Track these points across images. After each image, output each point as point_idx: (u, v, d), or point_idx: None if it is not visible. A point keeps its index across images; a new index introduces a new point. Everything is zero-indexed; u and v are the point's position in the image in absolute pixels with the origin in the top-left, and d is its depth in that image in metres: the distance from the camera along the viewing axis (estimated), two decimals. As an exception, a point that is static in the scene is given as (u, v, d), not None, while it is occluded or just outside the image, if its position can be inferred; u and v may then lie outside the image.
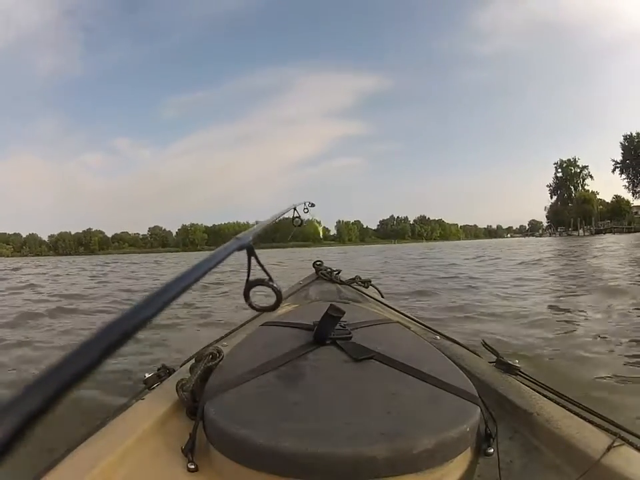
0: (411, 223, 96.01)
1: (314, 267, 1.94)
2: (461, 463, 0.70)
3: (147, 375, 0.94)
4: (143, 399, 0.86)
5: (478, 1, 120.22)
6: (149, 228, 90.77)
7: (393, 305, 1.63)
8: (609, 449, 0.66)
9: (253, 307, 0.46)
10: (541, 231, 79.36)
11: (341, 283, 1.78)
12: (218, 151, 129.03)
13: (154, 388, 0.91)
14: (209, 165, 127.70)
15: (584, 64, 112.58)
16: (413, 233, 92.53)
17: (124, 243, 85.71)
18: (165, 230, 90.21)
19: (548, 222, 76.18)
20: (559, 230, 68.34)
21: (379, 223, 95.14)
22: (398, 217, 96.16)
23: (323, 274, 1.86)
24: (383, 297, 1.87)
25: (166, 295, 0.27)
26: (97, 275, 11.73)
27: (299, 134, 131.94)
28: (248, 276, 0.44)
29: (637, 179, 58.89)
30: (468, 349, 1.12)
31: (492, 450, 0.74)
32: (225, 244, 0.42)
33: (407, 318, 1.44)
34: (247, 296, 0.44)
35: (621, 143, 59.44)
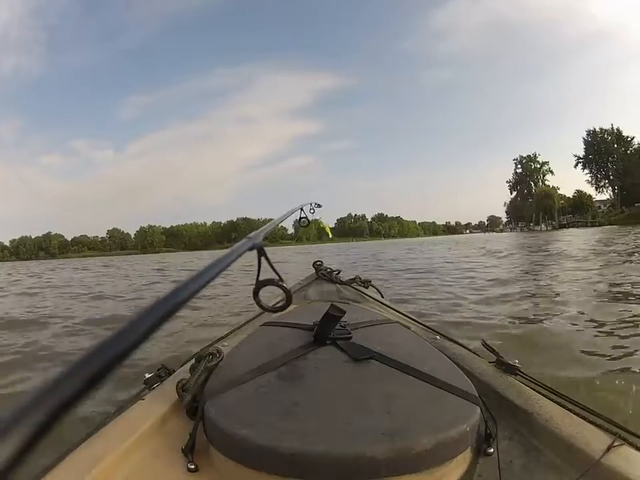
0: (369, 220, 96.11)
1: (314, 267, 1.94)
2: (461, 463, 0.70)
3: (147, 375, 0.94)
4: (143, 398, 0.86)
5: (436, 1, 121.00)
6: (108, 230, 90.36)
7: (393, 305, 1.64)
8: (609, 449, 0.66)
9: (262, 307, 0.46)
10: (501, 227, 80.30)
11: (341, 283, 1.78)
12: (175, 152, 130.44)
13: (154, 388, 0.91)
14: (166, 166, 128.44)
15: (543, 62, 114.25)
16: (371, 231, 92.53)
17: (83, 247, 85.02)
18: (123, 232, 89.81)
19: (507, 217, 77.67)
20: (519, 225, 69.51)
21: (336, 222, 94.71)
22: (355, 215, 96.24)
23: (322, 274, 1.86)
24: (383, 297, 1.87)
25: (174, 299, 0.27)
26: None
27: (257, 134, 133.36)
28: (258, 276, 0.43)
29: (600, 174, 59.68)
30: (468, 349, 1.12)
31: (492, 450, 0.74)
32: (236, 244, 0.41)
33: (407, 318, 1.44)
34: (256, 296, 0.44)
35: (583, 138, 60.44)
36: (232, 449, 0.66)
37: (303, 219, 1.09)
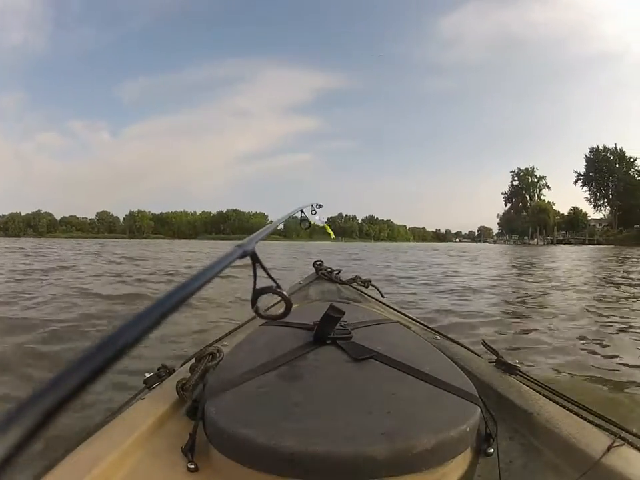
0: (359, 222, 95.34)
1: (314, 266, 1.95)
2: (460, 463, 0.70)
3: (147, 375, 0.94)
4: (143, 398, 0.86)
5: (445, 10, 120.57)
6: (97, 213, 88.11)
7: (393, 304, 1.64)
8: (609, 449, 0.66)
9: (261, 316, 0.45)
10: (495, 237, 79.63)
11: (341, 282, 1.78)
12: (170, 139, 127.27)
13: (154, 388, 0.91)
14: (161, 152, 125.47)
15: (546, 78, 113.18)
16: (360, 232, 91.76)
17: (71, 227, 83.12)
18: (112, 215, 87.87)
19: (499, 229, 77.25)
20: (512, 237, 69.19)
21: (326, 220, 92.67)
22: (346, 215, 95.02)
23: (323, 274, 1.87)
24: (383, 296, 1.88)
25: (160, 309, 0.26)
26: None
27: (253, 127, 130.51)
28: (255, 284, 0.43)
29: (599, 192, 59.81)
30: (468, 349, 1.12)
31: (492, 450, 0.74)
32: (226, 251, 0.40)
33: (407, 318, 1.44)
34: (254, 304, 0.44)
35: (585, 155, 60.48)
36: (232, 448, 0.66)
37: (304, 221, 1.09)
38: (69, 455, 0.67)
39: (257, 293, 0.43)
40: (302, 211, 1.09)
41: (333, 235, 1.92)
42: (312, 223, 1.13)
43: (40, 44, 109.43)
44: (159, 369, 0.97)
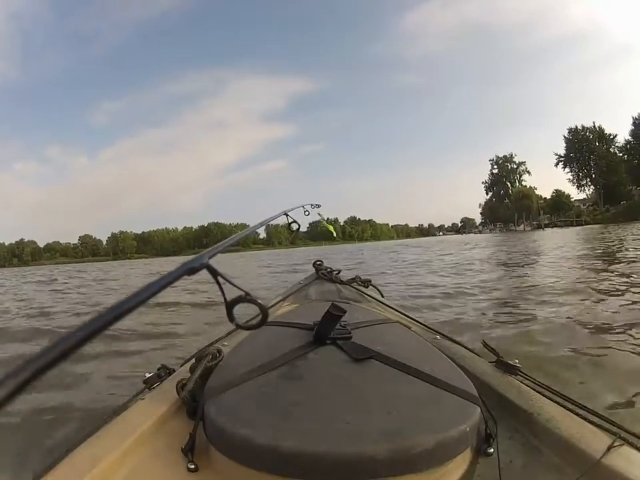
0: (342, 224, 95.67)
1: (314, 266, 1.95)
2: (460, 463, 0.70)
3: (147, 375, 0.94)
4: (143, 398, 0.86)
5: (408, 3, 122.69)
6: (79, 237, 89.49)
7: (393, 304, 1.64)
8: (609, 449, 0.66)
9: (239, 326, 0.44)
10: (480, 228, 79.27)
11: (341, 282, 1.78)
12: (147, 158, 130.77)
13: (154, 388, 0.91)
14: (138, 172, 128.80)
15: (518, 64, 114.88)
16: (344, 234, 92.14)
17: (56, 253, 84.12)
18: (95, 238, 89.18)
19: (482, 218, 77.37)
20: (497, 226, 69.34)
21: (308, 225, 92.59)
22: (328, 219, 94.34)
23: (323, 274, 1.87)
24: (383, 296, 1.88)
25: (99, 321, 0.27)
26: None
27: (228, 139, 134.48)
28: (224, 297, 0.41)
29: (582, 173, 59.87)
30: (468, 349, 1.12)
31: (492, 450, 0.74)
32: (174, 268, 0.39)
33: (407, 318, 1.44)
34: (230, 316, 0.42)
35: (564, 137, 60.60)
36: (232, 448, 0.66)
37: (292, 224, 1.05)
38: (69, 454, 0.67)
39: (230, 305, 0.42)
40: (287, 215, 1.06)
41: (334, 234, 1.91)
42: (299, 227, 1.08)
43: (9, 73, 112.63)
44: (158, 369, 0.97)
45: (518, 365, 0.94)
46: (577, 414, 0.77)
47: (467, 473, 0.70)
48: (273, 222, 1.03)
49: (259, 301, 0.41)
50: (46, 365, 0.24)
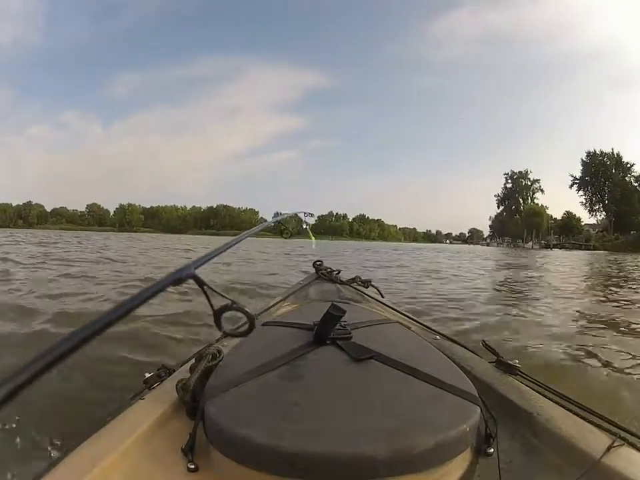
0: (350, 220, 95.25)
1: (314, 266, 1.96)
2: (460, 463, 0.70)
3: (147, 375, 0.94)
4: (143, 398, 0.86)
5: (436, 10, 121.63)
6: (87, 205, 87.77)
7: (393, 305, 1.64)
8: (609, 449, 0.66)
9: (227, 334, 0.45)
10: (488, 240, 78.98)
11: (341, 282, 1.78)
12: (160, 135, 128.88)
13: (154, 388, 0.91)
14: (152, 147, 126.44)
15: (539, 79, 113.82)
16: (351, 231, 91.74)
17: (62, 219, 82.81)
18: (103, 208, 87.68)
19: (491, 231, 77.15)
20: (505, 240, 68.84)
21: (317, 219, 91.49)
22: (337, 214, 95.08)
23: (323, 274, 1.87)
24: (383, 296, 1.88)
25: (88, 330, 0.27)
26: None
27: (242, 125, 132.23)
28: (211, 306, 0.42)
29: (595, 197, 59.37)
30: (468, 349, 1.12)
31: (492, 450, 0.74)
32: (161, 278, 0.39)
33: (407, 318, 1.44)
34: (218, 324, 0.43)
35: (582, 160, 60.05)
36: (232, 449, 0.66)
37: (285, 230, 1.08)
38: (69, 454, 0.67)
39: (217, 313, 0.43)
40: (280, 222, 1.08)
41: (313, 244, 1.93)
42: (291, 234, 1.11)
43: (33, 38, 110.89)
44: (158, 369, 0.97)
45: (518, 365, 0.95)
46: (576, 414, 0.78)
47: (467, 473, 0.70)
48: (272, 222, 1.06)
49: (246, 309, 0.42)
50: (30, 376, 0.23)
